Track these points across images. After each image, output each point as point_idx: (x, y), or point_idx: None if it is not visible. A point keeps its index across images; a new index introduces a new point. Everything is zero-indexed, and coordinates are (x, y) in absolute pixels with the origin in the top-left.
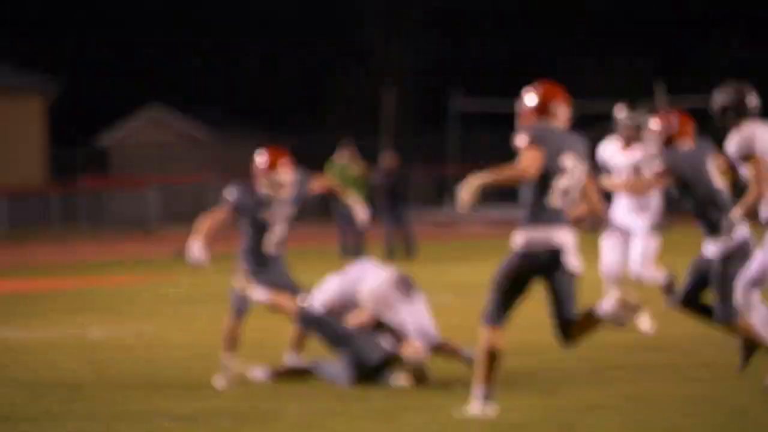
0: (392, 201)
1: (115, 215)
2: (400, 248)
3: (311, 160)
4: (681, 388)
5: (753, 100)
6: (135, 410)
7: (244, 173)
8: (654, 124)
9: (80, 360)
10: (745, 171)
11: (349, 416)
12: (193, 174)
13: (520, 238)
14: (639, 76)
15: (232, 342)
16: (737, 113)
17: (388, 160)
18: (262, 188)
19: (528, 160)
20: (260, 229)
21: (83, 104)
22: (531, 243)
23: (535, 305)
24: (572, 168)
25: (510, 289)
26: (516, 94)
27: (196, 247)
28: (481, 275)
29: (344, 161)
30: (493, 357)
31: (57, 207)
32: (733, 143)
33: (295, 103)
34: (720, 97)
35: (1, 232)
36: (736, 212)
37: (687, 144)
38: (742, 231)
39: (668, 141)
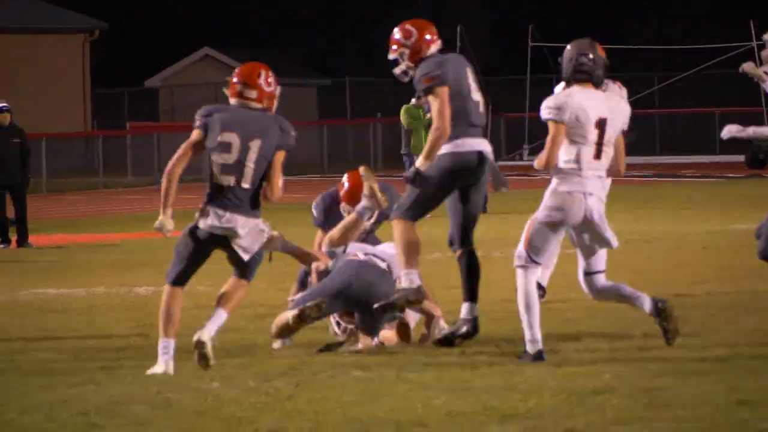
0: None
1: (165, 163)
2: None
3: (372, 103)
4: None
5: (588, 62)
6: (186, 376)
7: (305, 116)
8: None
9: (127, 322)
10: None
11: (418, 383)
12: None
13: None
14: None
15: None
16: (570, 72)
17: None
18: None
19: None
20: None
21: (131, 46)
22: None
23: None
24: (236, 145)
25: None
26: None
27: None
28: None
29: (417, 104)
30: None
31: (101, 154)
32: (545, 101)
33: (354, 43)
34: (565, 51)
35: (40, 180)
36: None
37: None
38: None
39: (416, 54)
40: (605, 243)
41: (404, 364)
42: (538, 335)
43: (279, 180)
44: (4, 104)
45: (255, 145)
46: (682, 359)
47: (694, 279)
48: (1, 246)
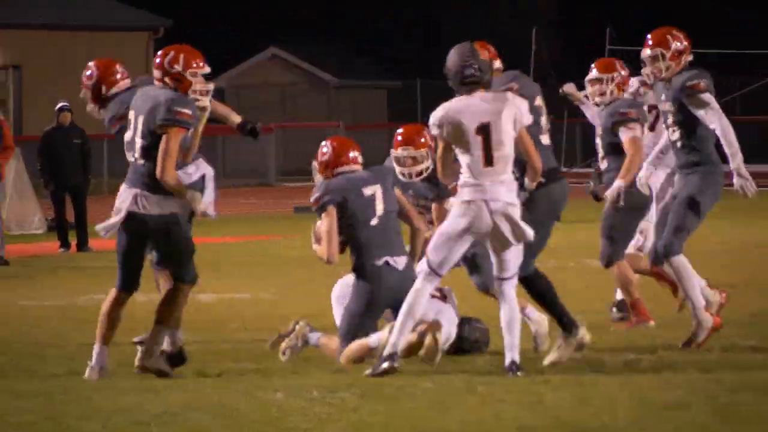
0: None
1: (229, 165)
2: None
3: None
4: None
5: (474, 71)
6: (248, 385)
7: (374, 118)
8: None
9: (189, 331)
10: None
11: (489, 396)
12: (320, 120)
13: None
14: None
15: None
16: (457, 85)
17: None
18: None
19: None
20: None
21: (196, 45)
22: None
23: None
24: (132, 122)
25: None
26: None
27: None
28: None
29: None
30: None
31: None
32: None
33: (426, 45)
34: (448, 60)
35: (101, 181)
36: None
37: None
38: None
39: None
40: (519, 237)
41: (474, 376)
42: (401, 343)
43: (164, 161)
44: (65, 103)
45: (140, 120)
46: (762, 373)
47: None
48: (61, 250)
